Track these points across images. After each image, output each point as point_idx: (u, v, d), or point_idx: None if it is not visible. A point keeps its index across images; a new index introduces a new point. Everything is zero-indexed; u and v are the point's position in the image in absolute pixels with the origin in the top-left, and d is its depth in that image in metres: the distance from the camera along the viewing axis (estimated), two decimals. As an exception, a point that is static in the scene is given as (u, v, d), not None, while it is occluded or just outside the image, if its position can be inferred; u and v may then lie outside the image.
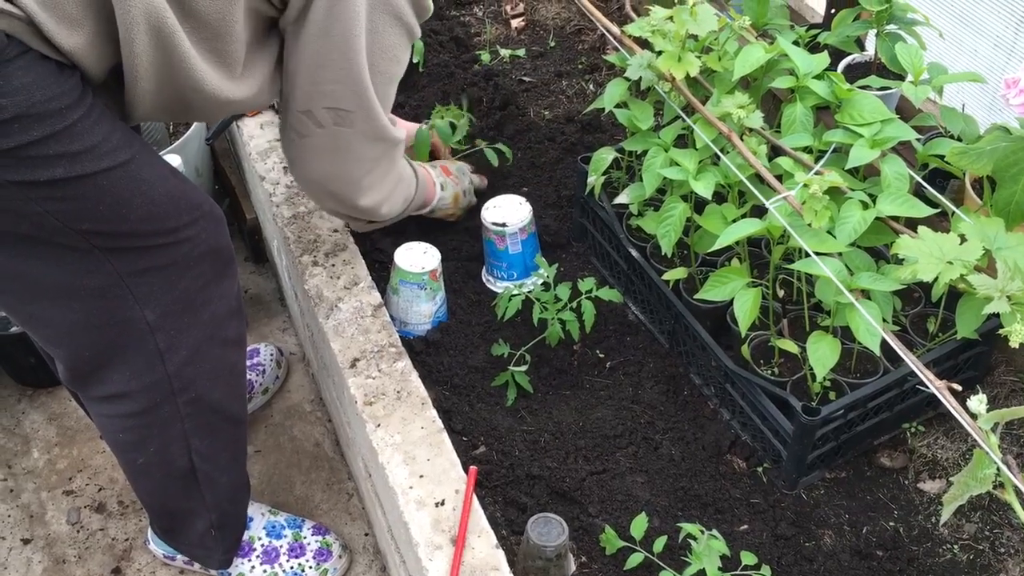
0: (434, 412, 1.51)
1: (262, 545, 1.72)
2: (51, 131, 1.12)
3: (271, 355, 2.07)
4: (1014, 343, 1.11)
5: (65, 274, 1.27)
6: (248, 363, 2.03)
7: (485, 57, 2.44)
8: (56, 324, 1.34)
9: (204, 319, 1.41)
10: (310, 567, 1.72)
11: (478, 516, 1.37)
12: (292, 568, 1.71)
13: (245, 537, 1.72)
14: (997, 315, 1.21)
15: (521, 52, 2.49)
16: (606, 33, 1.80)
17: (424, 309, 1.77)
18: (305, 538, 1.75)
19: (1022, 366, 1.65)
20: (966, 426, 1.13)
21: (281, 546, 1.73)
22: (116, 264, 1.28)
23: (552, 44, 2.54)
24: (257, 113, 2.12)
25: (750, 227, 1.41)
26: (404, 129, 1.68)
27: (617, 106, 1.69)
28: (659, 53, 1.59)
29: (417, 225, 1.96)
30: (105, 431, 1.53)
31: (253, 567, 1.71)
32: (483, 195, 2.04)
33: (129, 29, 1.14)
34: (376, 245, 1.94)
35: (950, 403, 1.16)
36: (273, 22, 1.38)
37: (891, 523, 1.52)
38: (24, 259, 1.25)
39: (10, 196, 1.15)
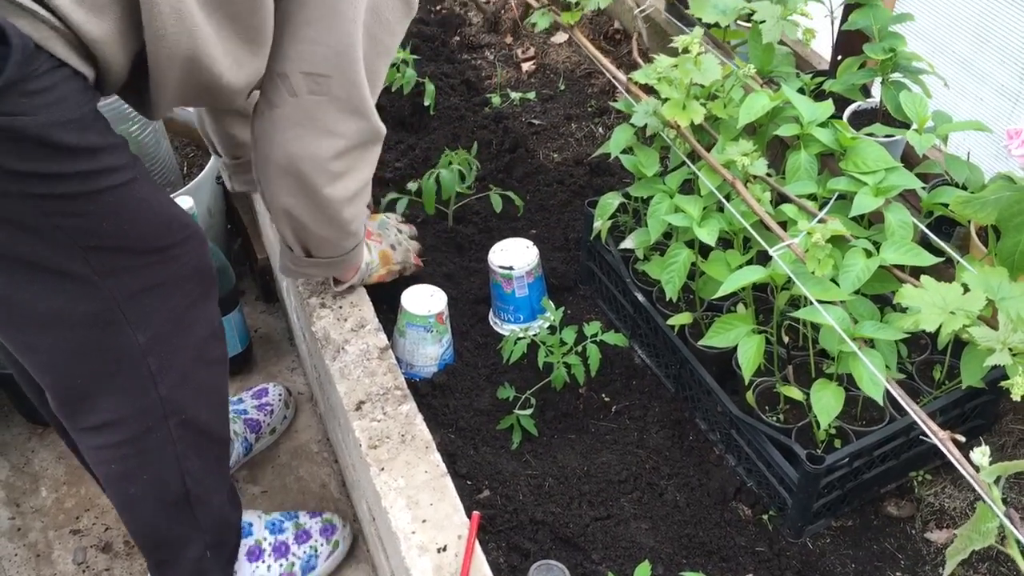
0: (438, 456, 1.51)
1: (270, 544, 1.75)
2: (72, 149, 1.14)
3: (279, 395, 2.08)
4: (1016, 396, 1.10)
5: (60, 302, 1.27)
6: (256, 403, 2.04)
7: (496, 100, 2.47)
8: (47, 351, 1.33)
9: (192, 340, 1.41)
10: (321, 544, 1.77)
11: (480, 562, 1.37)
12: (305, 552, 1.76)
13: (251, 542, 1.73)
14: (1002, 365, 1.21)
15: (531, 95, 2.52)
16: (612, 80, 1.82)
17: (430, 351, 1.78)
18: (306, 524, 1.79)
19: (1030, 414, 1.64)
20: (969, 479, 1.13)
21: (287, 539, 1.76)
22: (111, 288, 1.28)
23: (562, 87, 2.57)
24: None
25: (753, 275, 1.42)
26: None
27: (624, 151, 1.71)
28: (665, 100, 1.61)
29: (426, 266, 1.97)
30: (96, 464, 1.50)
31: (269, 567, 1.73)
32: (491, 238, 2.06)
33: (151, 8, 1.14)
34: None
35: (953, 455, 1.16)
36: None
37: (898, 573, 1.51)
38: (21, 286, 1.24)
39: (28, 210, 1.16)
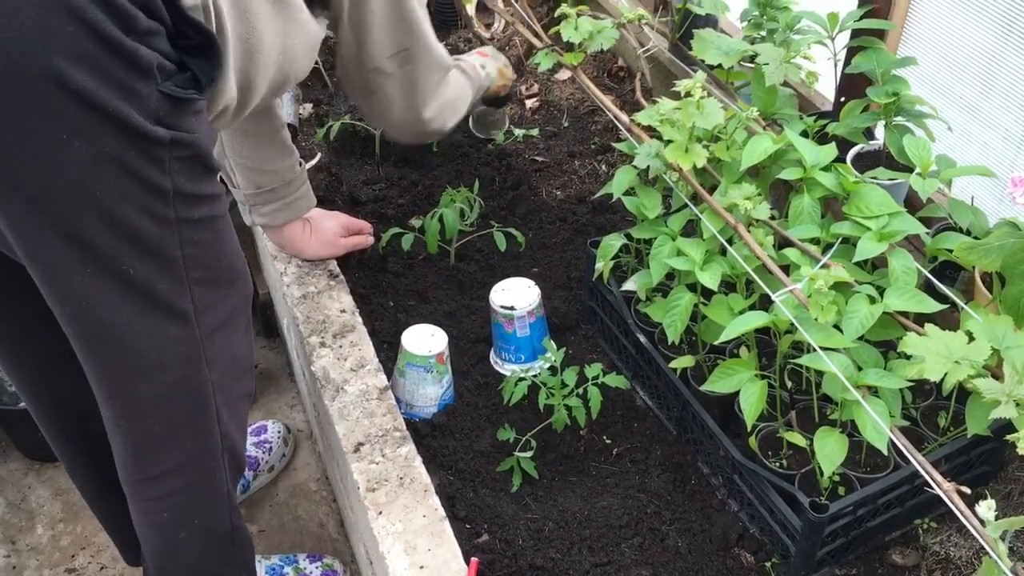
0: (437, 500, 1.49)
1: None
2: (210, 172, 1.19)
3: (278, 433, 2.07)
4: (1021, 450, 1.09)
5: (163, 344, 1.25)
6: (255, 440, 2.03)
7: (499, 137, 2.47)
8: (141, 398, 1.30)
9: (239, 371, 1.43)
10: None
11: (478, 611, 1.35)
12: None
13: None
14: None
15: (535, 132, 2.53)
16: (615, 121, 1.82)
17: (430, 392, 1.76)
18: (306, 568, 1.77)
19: (1037, 462, 1.62)
20: (974, 532, 1.11)
21: None
22: (203, 325, 1.28)
23: (566, 124, 2.57)
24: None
25: (756, 320, 1.41)
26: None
27: (626, 193, 1.70)
28: (667, 142, 1.61)
29: (426, 306, 1.96)
30: (147, 515, 1.45)
31: None
32: (493, 276, 2.05)
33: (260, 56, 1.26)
34: (385, 323, 1.95)
35: (958, 508, 1.14)
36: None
37: (903, 624, 1.48)
38: (133, 325, 1.21)
39: (169, 236, 1.16)
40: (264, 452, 2.02)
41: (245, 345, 1.43)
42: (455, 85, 1.83)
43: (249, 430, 2.04)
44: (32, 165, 1.04)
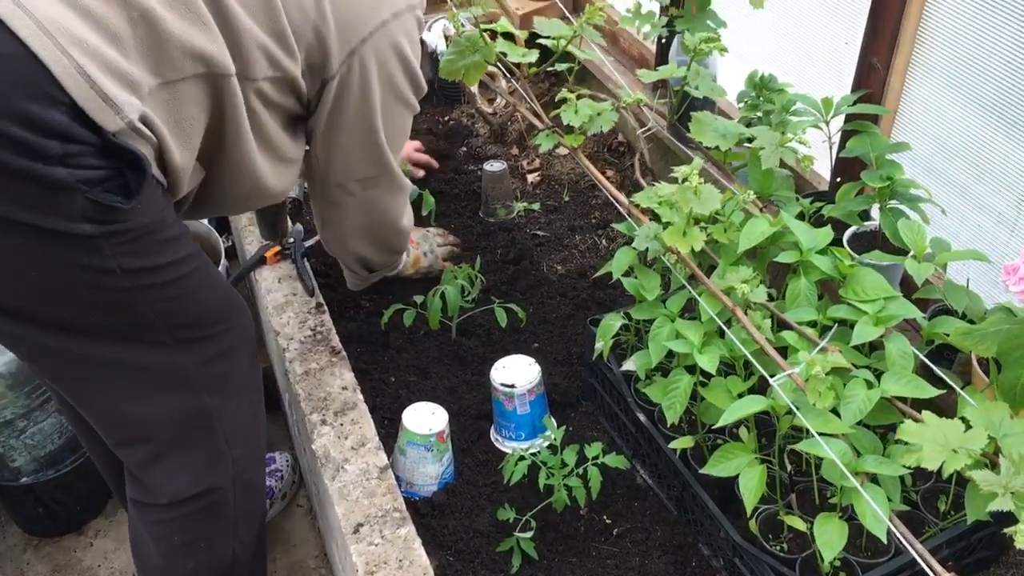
0: (436, 584, 1.49)
1: None
2: (168, 242, 1.33)
3: (287, 461, 2.17)
4: (1020, 544, 1.09)
5: (152, 370, 1.40)
6: (267, 470, 2.09)
7: (501, 211, 2.50)
8: (142, 421, 1.45)
9: (249, 401, 1.58)
10: None
11: None
12: None
13: None
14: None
15: (536, 206, 2.56)
16: (614, 201, 1.85)
17: (430, 470, 1.76)
18: None
19: (1039, 546, 1.60)
20: (975, 626, 1.10)
21: None
22: (190, 356, 1.43)
23: (567, 199, 2.61)
24: (276, 262, 2.17)
25: (754, 405, 1.41)
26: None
27: (625, 273, 1.72)
28: (666, 225, 1.63)
29: (427, 382, 1.97)
30: (160, 538, 1.56)
31: None
32: (494, 351, 2.07)
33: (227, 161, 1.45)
34: (386, 402, 1.95)
35: (958, 601, 1.13)
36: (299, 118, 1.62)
37: None
38: (121, 355, 1.37)
39: (136, 300, 1.32)
40: (277, 480, 2.11)
41: (251, 375, 1.58)
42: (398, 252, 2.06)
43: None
44: None
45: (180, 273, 1.36)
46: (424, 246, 2.28)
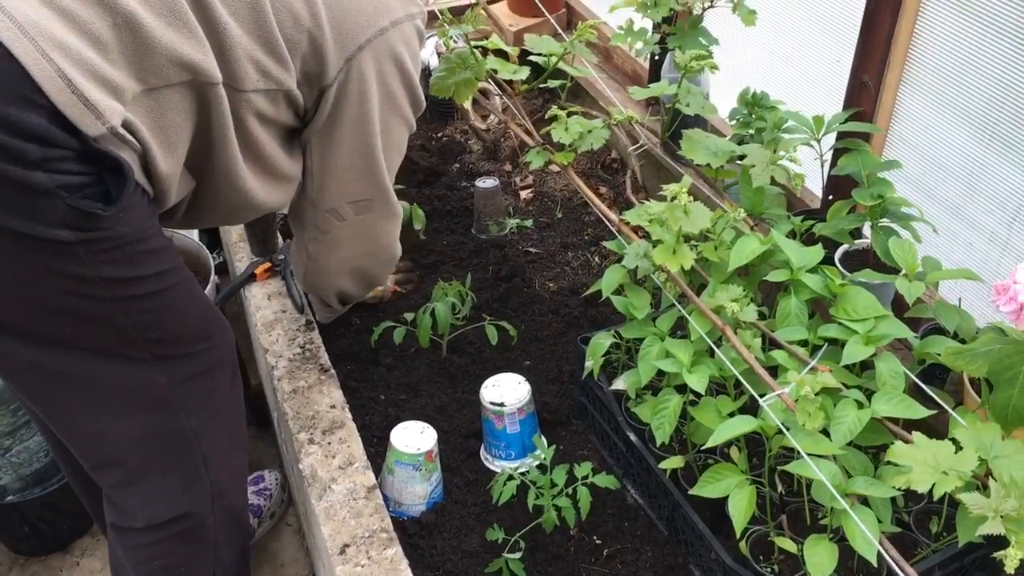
0: (422, 606, 1.47)
1: None
2: (150, 254, 1.32)
3: (275, 480, 2.15)
4: (1009, 568, 1.07)
5: (128, 387, 1.39)
6: (255, 488, 2.11)
7: (493, 228, 2.49)
8: (117, 441, 1.43)
9: (229, 422, 1.55)
10: None
11: None
12: None
13: None
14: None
15: (529, 223, 2.55)
16: (604, 220, 1.84)
17: (419, 490, 1.75)
18: None
19: (1032, 568, 1.59)
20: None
21: None
22: (168, 373, 1.41)
23: (559, 215, 2.60)
24: (266, 279, 2.17)
25: (743, 426, 1.40)
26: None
27: (616, 292, 1.71)
28: (656, 243, 1.62)
29: (417, 400, 1.96)
30: (139, 563, 1.54)
31: None
32: (485, 369, 2.05)
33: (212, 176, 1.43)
34: (376, 419, 1.94)
35: (949, 626, 1.12)
36: (295, 131, 1.59)
37: None
38: (97, 370, 1.36)
39: (112, 311, 1.30)
40: (265, 499, 2.09)
41: (232, 395, 1.55)
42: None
43: (248, 480, 2.04)
44: None
45: (161, 286, 1.34)
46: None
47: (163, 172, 1.32)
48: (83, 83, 1.16)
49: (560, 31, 2.65)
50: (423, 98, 1.69)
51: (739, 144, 1.88)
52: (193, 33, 1.28)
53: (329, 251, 1.77)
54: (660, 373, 1.68)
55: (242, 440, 1.62)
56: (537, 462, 1.79)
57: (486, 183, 2.47)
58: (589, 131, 1.87)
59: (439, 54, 2.73)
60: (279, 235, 2.19)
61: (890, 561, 1.24)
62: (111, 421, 1.41)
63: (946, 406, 1.43)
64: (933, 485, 1.22)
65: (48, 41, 1.14)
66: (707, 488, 1.47)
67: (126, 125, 1.23)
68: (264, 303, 2.09)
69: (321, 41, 1.46)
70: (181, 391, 1.43)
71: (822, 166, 1.87)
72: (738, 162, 1.89)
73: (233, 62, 1.35)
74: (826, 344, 1.54)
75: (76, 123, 1.16)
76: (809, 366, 1.46)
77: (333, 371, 1.89)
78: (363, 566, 1.53)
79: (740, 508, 1.41)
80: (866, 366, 1.57)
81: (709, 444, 1.42)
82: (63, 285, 1.25)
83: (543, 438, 1.86)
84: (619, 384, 1.75)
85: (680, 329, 1.68)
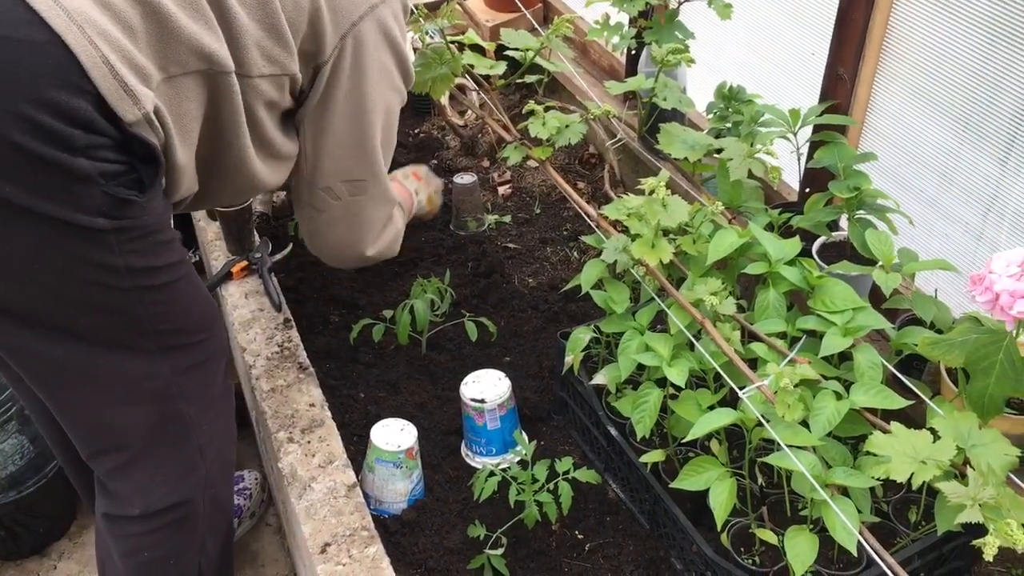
0: (404, 603, 1.46)
1: None
2: (165, 245, 1.35)
3: (255, 479, 2.12)
4: (988, 556, 1.08)
5: (134, 376, 1.40)
6: (235, 488, 2.04)
7: (472, 224, 2.49)
8: (120, 428, 1.44)
9: (222, 413, 1.57)
10: None
11: None
12: None
13: None
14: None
15: (507, 218, 2.55)
16: (583, 214, 1.84)
17: (400, 487, 1.74)
18: None
19: (1009, 555, 1.61)
20: (946, 640, 1.10)
21: None
22: (171, 363, 1.42)
23: (538, 211, 2.60)
24: (244, 277, 2.15)
25: (723, 418, 1.41)
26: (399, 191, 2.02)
27: (595, 286, 1.71)
28: (635, 237, 1.62)
29: (397, 397, 1.95)
30: (129, 554, 1.54)
31: None
32: (465, 365, 2.05)
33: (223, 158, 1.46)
34: (357, 415, 1.93)
35: (928, 614, 1.13)
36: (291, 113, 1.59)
37: None
38: (105, 360, 1.37)
39: (130, 301, 1.32)
40: (245, 499, 2.07)
41: (225, 387, 1.57)
42: (395, 227, 1.89)
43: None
44: None
45: (173, 277, 1.37)
46: (434, 182, 2.32)
47: (179, 162, 1.34)
48: (123, 69, 1.19)
49: (537, 26, 2.65)
50: (413, 70, 1.71)
51: (716, 138, 1.89)
52: (209, 23, 1.32)
53: (323, 232, 1.78)
54: (640, 367, 1.69)
55: (233, 433, 1.63)
56: (518, 458, 1.79)
57: (464, 179, 2.46)
58: (567, 126, 1.87)
59: (415, 49, 2.72)
60: (255, 233, 2.17)
61: (870, 550, 1.24)
62: (115, 409, 1.42)
63: (924, 396, 1.44)
64: (912, 474, 1.23)
65: (93, 28, 1.17)
66: (688, 481, 1.47)
67: (155, 111, 1.26)
68: (241, 302, 2.07)
69: (320, 21, 1.49)
70: (182, 380, 1.45)
71: (799, 159, 1.88)
72: (715, 156, 1.90)
73: (242, 50, 1.38)
74: (804, 336, 1.55)
75: (116, 108, 1.19)
76: (788, 358, 1.47)
77: (312, 369, 1.88)
78: (344, 564, 1.52)
79: (721, 500, 1.42)
80: (844, 357, 1.58)
81: (689, 437, 1.43)
82: (90, 274, 1.27)
83: (524, 434, 1.86)
84: (599, 379, 1.74)
85: (660, 323, 1.68)
